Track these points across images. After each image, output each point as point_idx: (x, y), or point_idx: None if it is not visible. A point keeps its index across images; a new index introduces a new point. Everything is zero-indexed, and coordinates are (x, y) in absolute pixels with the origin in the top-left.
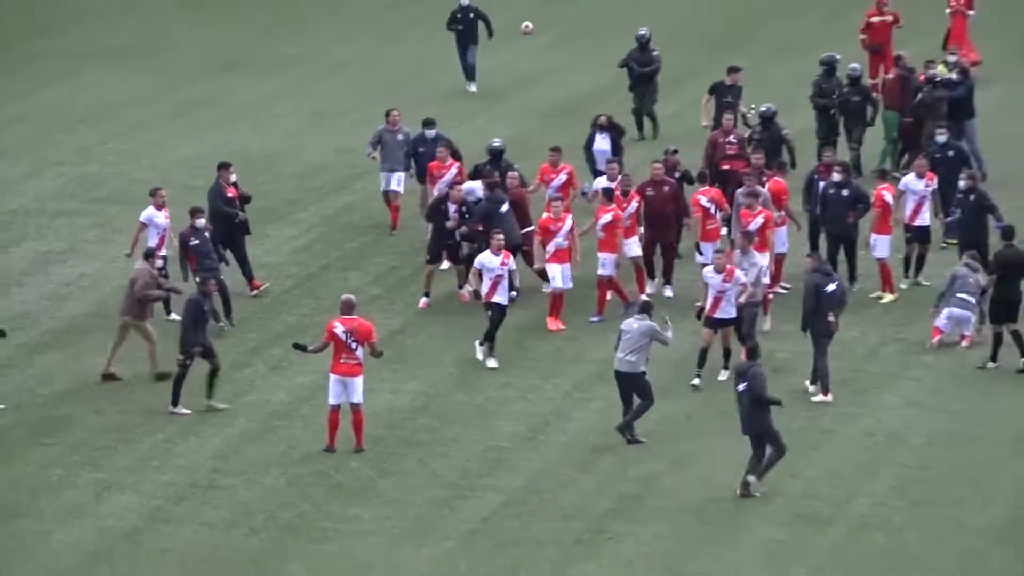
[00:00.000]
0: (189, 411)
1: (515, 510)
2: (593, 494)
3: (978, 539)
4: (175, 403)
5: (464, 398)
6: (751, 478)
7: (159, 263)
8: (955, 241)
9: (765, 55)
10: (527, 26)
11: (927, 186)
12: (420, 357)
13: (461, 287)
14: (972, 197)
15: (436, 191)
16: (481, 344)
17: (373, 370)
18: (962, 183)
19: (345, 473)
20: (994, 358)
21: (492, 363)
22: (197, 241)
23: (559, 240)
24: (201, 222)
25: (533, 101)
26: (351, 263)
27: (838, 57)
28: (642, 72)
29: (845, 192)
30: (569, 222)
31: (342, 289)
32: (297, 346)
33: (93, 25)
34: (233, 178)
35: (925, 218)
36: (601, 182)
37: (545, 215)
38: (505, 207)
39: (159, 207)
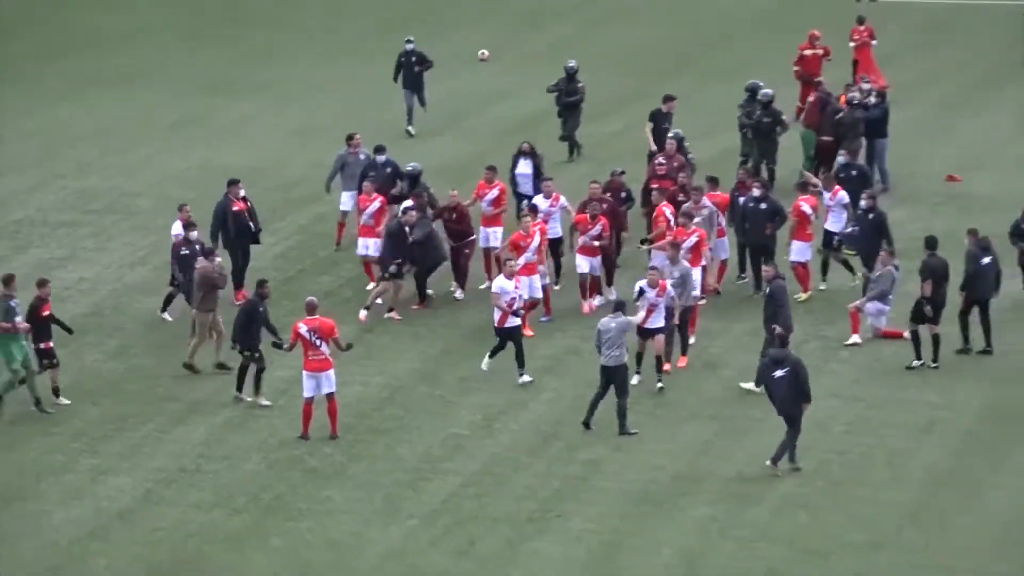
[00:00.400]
0: (248, 398)
1: (472, 491)
2: (543, 476)
3: (891, 516)
4: (239, 388)
5: (427, 390)
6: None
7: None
8: (854, 252)
9: (704, 79)
10: (483, 53)
11: (830, 199)
12: (386, 353)
13: (368, 308)
14: (871, 216)
15: (361, 221)
16: (518, 369)
17: (344, 365)
18: (863, 203)
19: (319, 458)
20: (919, 356)
21: (526, 378)
22: (187, 252)
23: (528, 255)
24: (194, 234)
25: (489, 121)
26: (324, 268)
27: (761, 84)
28: (568, 101)
29: (763, 206)
30: (538, 238)
31: (317, 292)
32: (275, 344)
33: (96, 52)
34: (242, 192)
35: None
36: (539, 200)
37: (517, 231)
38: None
39: (184, 222)
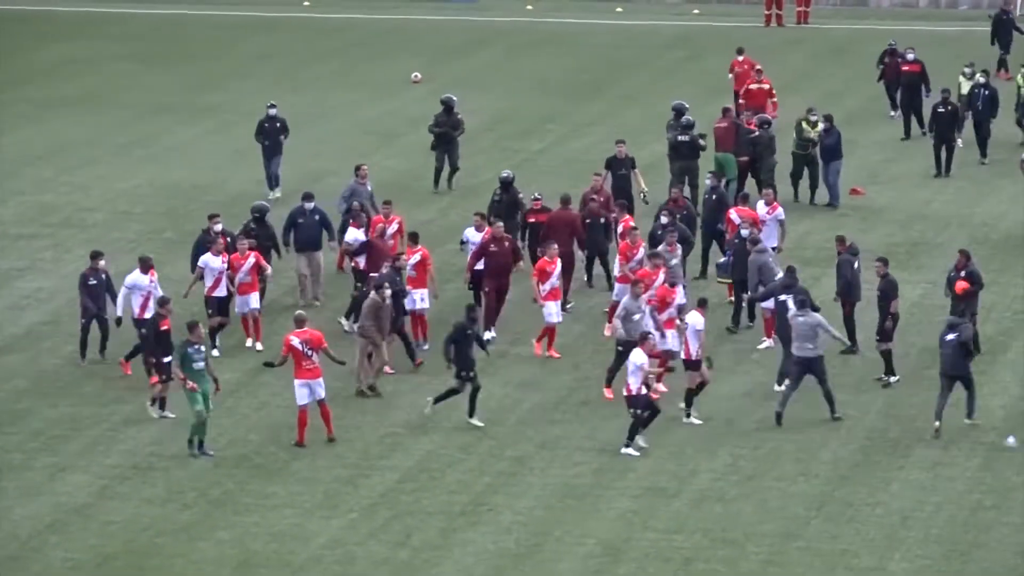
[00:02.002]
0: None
1: (409, 486)
2: (475, 472)
3: (800, 507)
4: (435, 401)
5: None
6: (939, 423)
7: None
8: (728, 280)
9: (614, 103)
10: (416, 76)
11: (768, 214)
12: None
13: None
14: (748, 245)
15: (238, 279)
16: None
17: (287, 368)
18: (744, 231)
19: (264, 456)
20: (893, 372)
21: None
22: (95, 282)
23: (553, 280)
24: (101, 263)
25: (421, 139)
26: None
27: (687, 105)
28: (443, 133)
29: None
30: (559, 265)
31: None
32: (267, 364)
33: (53, 78)
34: (219, 227)
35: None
36: (470, 233)
37: (542, 258)
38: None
39: (216, 253)
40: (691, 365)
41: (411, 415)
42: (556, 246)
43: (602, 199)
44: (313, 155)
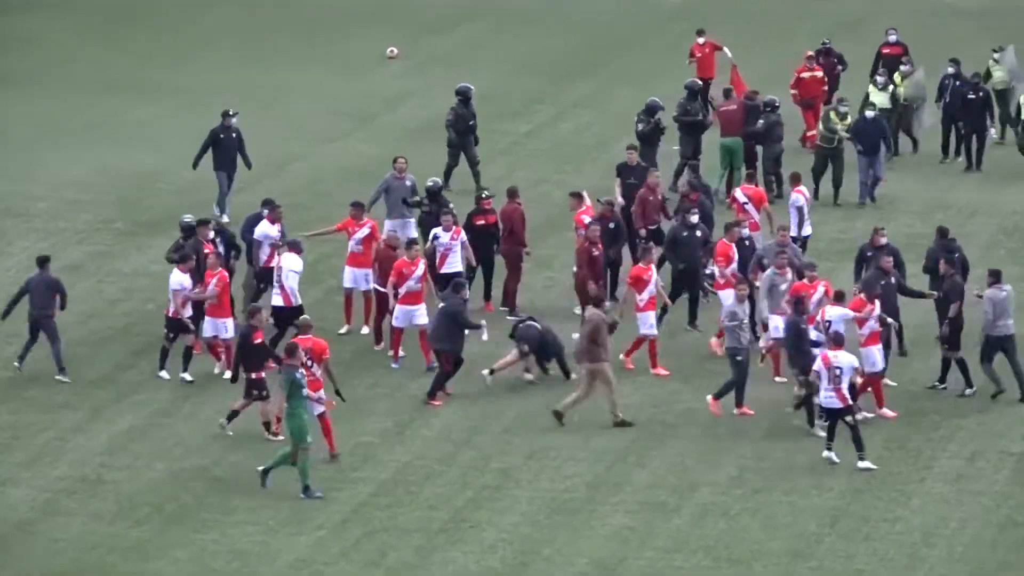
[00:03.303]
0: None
1: (383, 500)
2: (456, 485)
3: (811, 523)
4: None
5: (335, 397)
6: None
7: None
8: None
9: (607, 83)
10: (392, 51)
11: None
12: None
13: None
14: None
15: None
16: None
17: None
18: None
19: (224, 467)
20: (969, 384)
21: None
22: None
23: (411, 283)
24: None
25: (398, 120)
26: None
27: (699, 82)
28: (464, 128)
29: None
30: (422, 267)
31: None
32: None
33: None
34: (211, 235)
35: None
36: (439, 232)
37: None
38: None
39: (273, 221)
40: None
41: (386, 423)
42: (653, 252)
43: (652, 199)
44: (280, 138)
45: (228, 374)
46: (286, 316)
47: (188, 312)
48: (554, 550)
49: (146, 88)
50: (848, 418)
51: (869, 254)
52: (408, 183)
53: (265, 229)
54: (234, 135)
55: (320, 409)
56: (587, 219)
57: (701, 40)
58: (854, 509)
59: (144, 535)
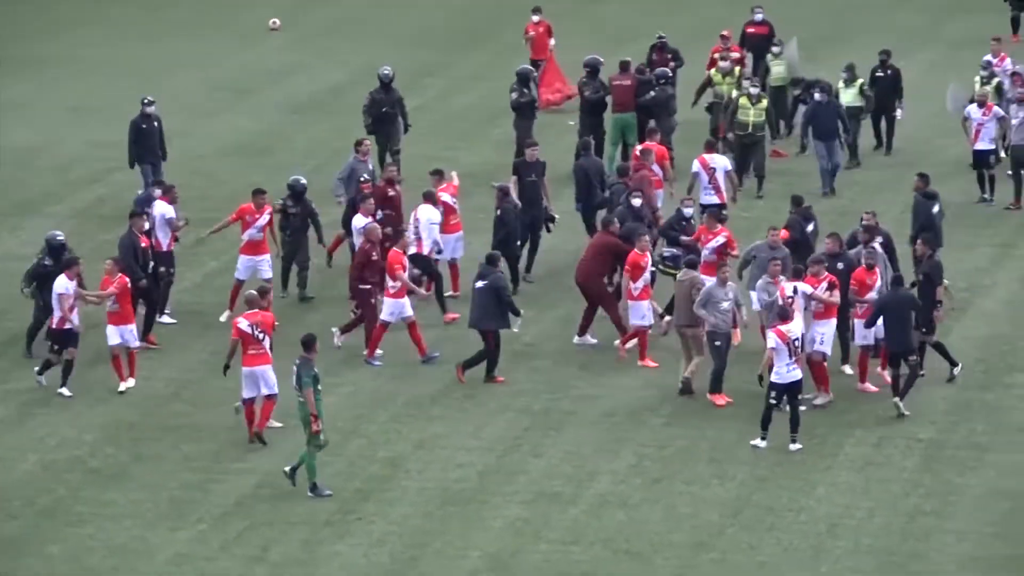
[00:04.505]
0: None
1: (266, 492)
2: (343, 476)
3: (713, 513)
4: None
5: (217, 384)
6: None
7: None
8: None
9: (499, 55)
10: (275, 23)
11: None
12: (172, 343)
13: None
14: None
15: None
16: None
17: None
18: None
19: (100, 458)
20: (953, 363)
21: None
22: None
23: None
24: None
25: (281, 96)
26: (105, 253)
27: (601, 60)
28: (383, 114)
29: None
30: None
31: (97, 276)
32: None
33: None
34: (147, 226)
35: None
36: (358, 220)
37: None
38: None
39: (170, 202)
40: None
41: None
42: (647, 237)
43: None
44: (160, 113)
45: (131, 382)
46: (422, 265)
47: (76, 319)
48: (445, 543)
49: (19, 62)
50: (800, 398)
51: (754, 256)
52: (370, 166)
53: (163, 210)
54: (156, 123)
55: (267, 389)
56: (446, 197)
57: (536, 18)
58: (757, 499)
59: (16, 530)
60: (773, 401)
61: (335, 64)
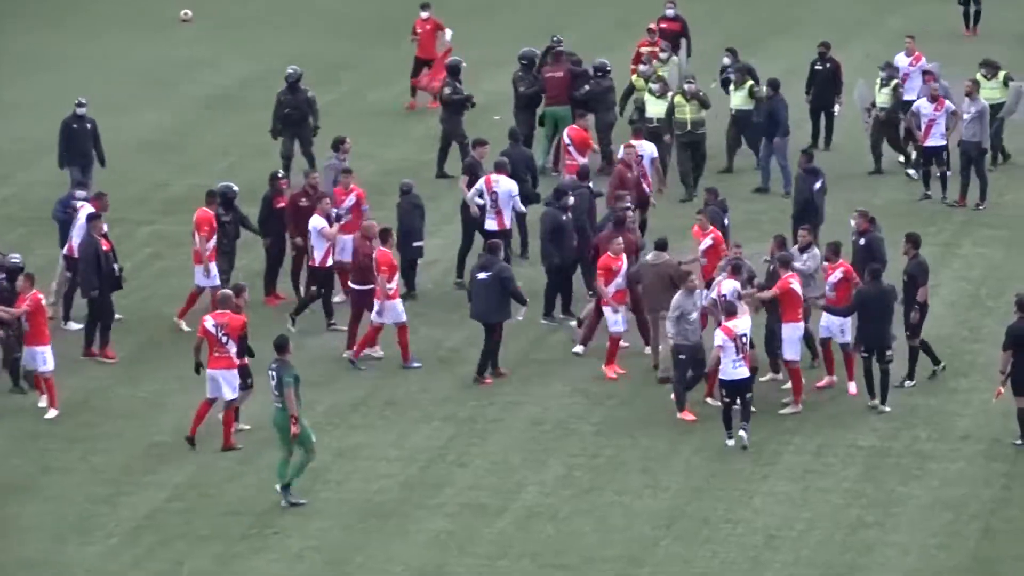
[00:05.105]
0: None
1: (178, 505)
2: (258, 488)
3: (646, 526)
4: None
5: (126, 392)
6: None
7: None
8: None
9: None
10: (186, 13)
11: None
12: (79, 350)
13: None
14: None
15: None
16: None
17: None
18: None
19: (5, 470)
20: (936, 361)
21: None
22: None
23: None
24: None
25: (193, 90)
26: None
27: (537, 51)
28: (290, 115)
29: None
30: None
31: None
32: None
33: None
34: (105, 228)
35: None
36: (316, 221)
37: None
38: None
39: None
40: None
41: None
42: (621, 241)
43: (630, 176)
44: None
45: (53, 412)
46: (502, 239)
47: None
48: (367, 557)
49: None
50: (749, 395)
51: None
52: (345, 164)
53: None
54: (88, 125)
55: (228, 394)
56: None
57: (424, 15)
58: (692, 510)
59: None
60: (727, 399)
61: (249, 57)
